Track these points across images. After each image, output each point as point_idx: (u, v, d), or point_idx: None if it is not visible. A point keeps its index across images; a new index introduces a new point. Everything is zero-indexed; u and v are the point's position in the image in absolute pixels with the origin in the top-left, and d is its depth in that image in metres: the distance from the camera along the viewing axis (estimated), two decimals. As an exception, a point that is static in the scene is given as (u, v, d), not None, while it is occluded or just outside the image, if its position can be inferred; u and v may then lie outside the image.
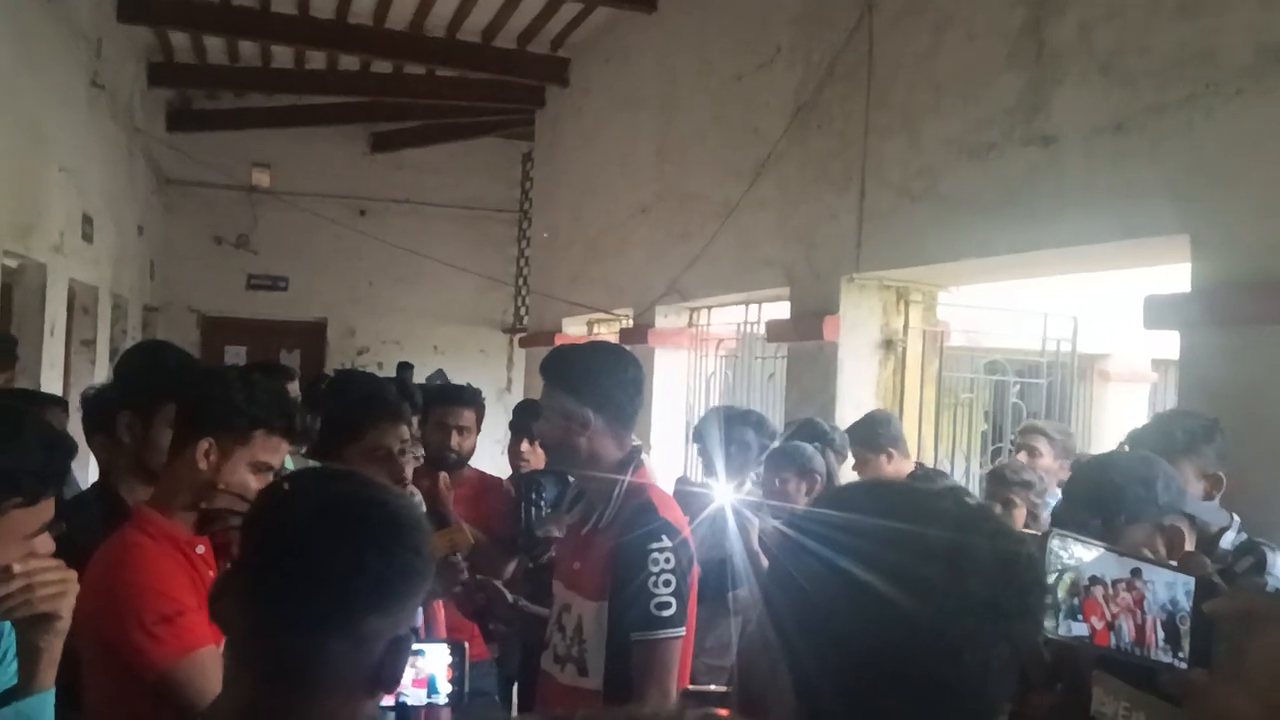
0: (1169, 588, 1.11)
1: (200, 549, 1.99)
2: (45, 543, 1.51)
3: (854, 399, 5.02)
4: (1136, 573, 1.12)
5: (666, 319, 7.41)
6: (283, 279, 11.99)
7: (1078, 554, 1.13)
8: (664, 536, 2.27)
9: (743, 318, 6.59)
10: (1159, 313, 3.35)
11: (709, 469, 4.26)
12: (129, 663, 1.81)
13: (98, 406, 2.62)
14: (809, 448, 3.50)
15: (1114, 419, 6.81)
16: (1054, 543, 1.13)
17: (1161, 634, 1.10)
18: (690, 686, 1.19)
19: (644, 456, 2.55)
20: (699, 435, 4.41)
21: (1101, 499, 2.06)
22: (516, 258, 12.47)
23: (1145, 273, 4.10)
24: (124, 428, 2.35)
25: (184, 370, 2.57)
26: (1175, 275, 3.46)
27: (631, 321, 7.85)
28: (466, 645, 1.64)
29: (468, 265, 11.35)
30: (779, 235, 5.76)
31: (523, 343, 11.01)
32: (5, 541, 1.46)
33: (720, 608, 3.09)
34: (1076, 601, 1.11)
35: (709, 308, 7.23)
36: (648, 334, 7.36)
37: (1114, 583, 1.11)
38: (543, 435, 2.58)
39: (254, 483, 1.98)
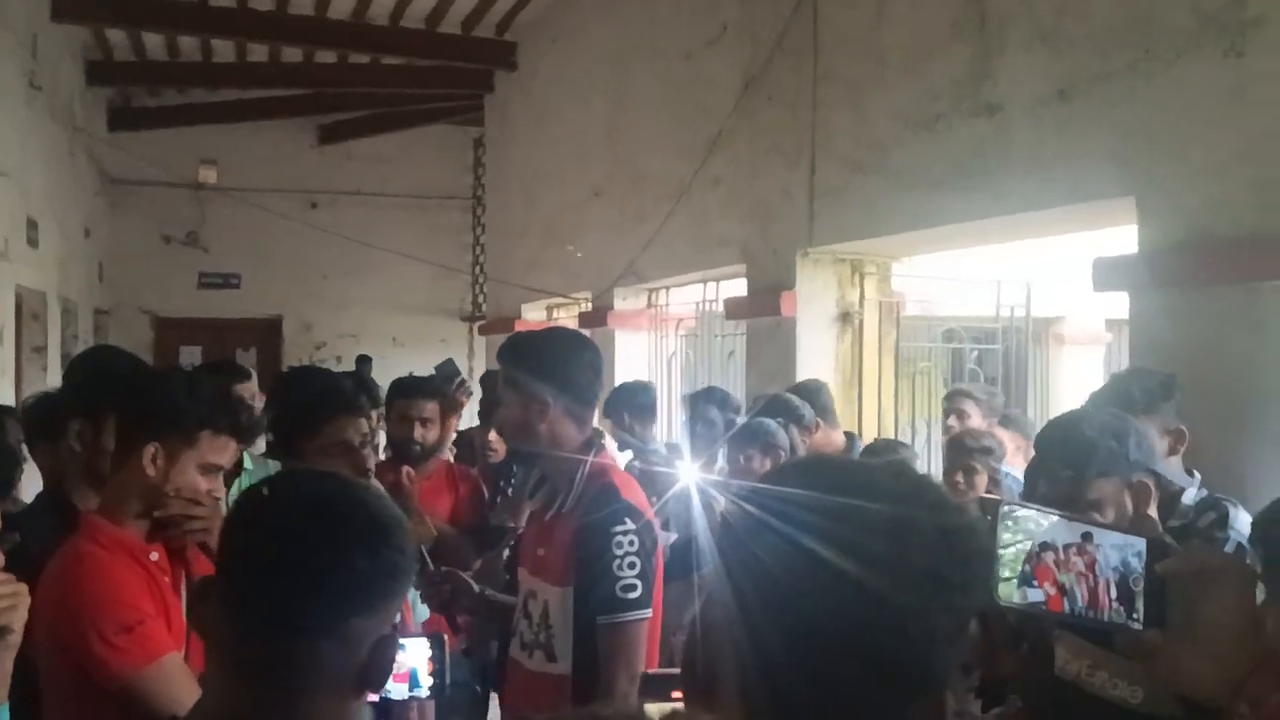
0: (1120, 550, 1.12)
1: (154, 555, 1.96)
2: None
3: (813, 372, 5.04)
4: (1087, 537, 1.12)
5: (625, 301, 7.41)
6: (235, 276, 11.83)
7: (1030, 522, 1.14)
8: (627, 519, 2.27)
9: (701, 296, 6.61)
10: (1108, 275, 3.39)
11: (621, 445, 4.29)
12: (90, 674, 1.78)
13: (42, 414, 2.57)
14: (772, 423, 3.51)
15: (1070, 381, 6.91)
16: (1006, 511, 1.15)
17: (1115, 596, 1.11)
18: (650, 670, 1.20)
19: (605, 440, 2.55)
20: (608, 409, 4.43)
21: (1073, 452, 2.08)
22: (472, 245, 12.39)
23: (1098, 235, 4.15)
24: (74, 435, 2.31)
25: (135, 375, 2.53)
26: (1126, 237, 3.50)
27: (590, 305, 7.84)
28: (446, 638, 1.64)
29: (423, 255, 11.25)
30: (733, 213, 5.77)
31: (482, 330, 10.95)
32: None
33: (690, 587, 3.11)
34: (1028, 568, 1.12)
35: (667, 288, 7.24)
36: (607, 316, 7.35)
37: (1065, 547, 1.12)
38: (503, 422, 2.58)
39: (204, 484, 1.96)
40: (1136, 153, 3.33)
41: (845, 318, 5.20)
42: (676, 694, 1.17)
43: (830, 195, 4.91)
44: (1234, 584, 1.07)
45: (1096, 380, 7.51)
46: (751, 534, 0.85)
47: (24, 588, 1.50)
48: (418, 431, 3.70)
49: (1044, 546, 1.11)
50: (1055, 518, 1.14)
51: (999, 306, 5.09)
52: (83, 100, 9.40)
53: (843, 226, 4.87)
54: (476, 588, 2.66)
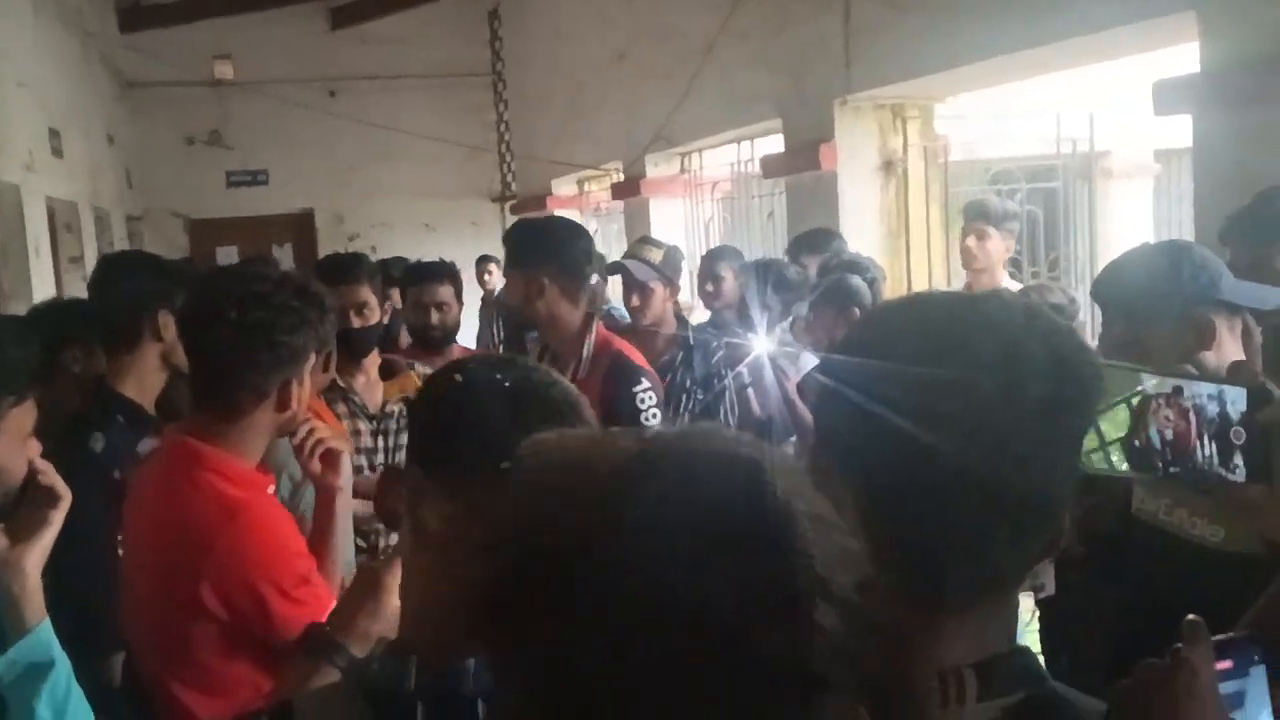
0: (1217, 401, 1.05)
1: (271, 489, 1.90)
2: (34, 445, 1.55)
3: (857, 227, 4.92)
4: (1178, 390, 1.06)
5: (658, 168, 7.24)
6: (262, 173, 11.72)
7: (1115, 381, 1.08)
8: (643, 379, 2.72)
9: (736, 157, 6.44)
10: (1169, 97, 3.22)
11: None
12: (264, 630, 1.67)
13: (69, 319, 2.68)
14: (854, 280, 3.41)
15: (1118, 217, 6.71)
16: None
17: (1213, 449, 1.05)
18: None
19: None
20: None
21: (1122, 298, 2.00)
22: (496, 123, 12.15)
23: (1146, 61, 3.94)
24: (161, 327, 2.47)
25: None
26: (1181, 60, 3.32)
27: (622, 175, 7.68)
28: None
29: (447, 136, 11.06)
30: (764, 65, 5.55)
31: (514, 210, 10.84)
32: (10, 440, 1.51)
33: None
34: (1127, 429, 1.06)
35: (700, 151, 7.06)
36: (640, 185, 7.22)
37: (1154, 400, 1.06)
38: (508, 298, 2.97)
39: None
40: (1197, -38, 3.11)
41: (888, 167, 5.04)
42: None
43: (867, 36, 4.69)
44: None
45: (1146, 216, 7.30)
46: (845, 404, 0.82)
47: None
48: (434, 317, 3.67)
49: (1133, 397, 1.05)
50: (1144, 375, 1.08)
51: (1059, 141, 4.83)
52: (90, 2, 9.19)
53: (882, 69, 4.67)
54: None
